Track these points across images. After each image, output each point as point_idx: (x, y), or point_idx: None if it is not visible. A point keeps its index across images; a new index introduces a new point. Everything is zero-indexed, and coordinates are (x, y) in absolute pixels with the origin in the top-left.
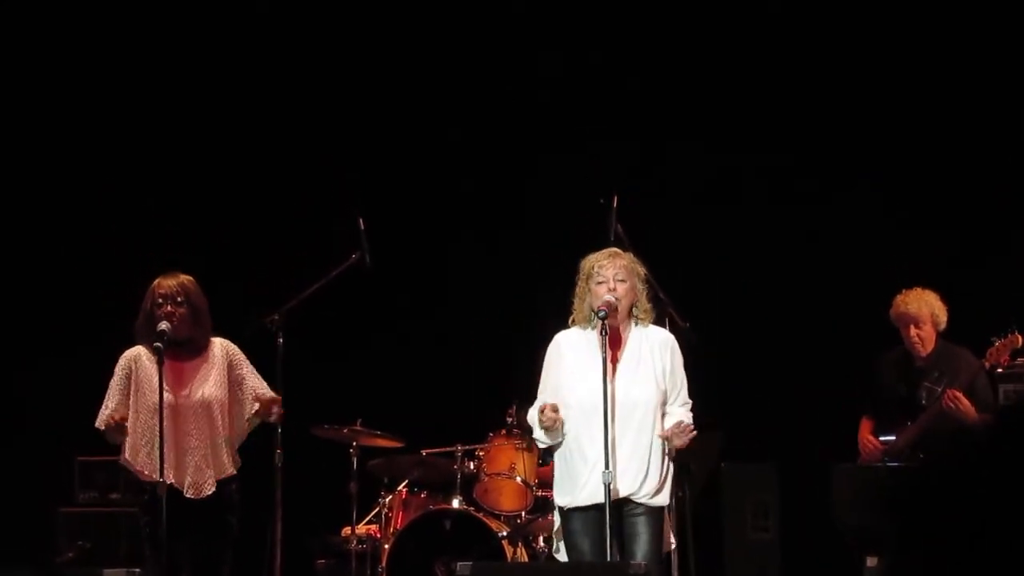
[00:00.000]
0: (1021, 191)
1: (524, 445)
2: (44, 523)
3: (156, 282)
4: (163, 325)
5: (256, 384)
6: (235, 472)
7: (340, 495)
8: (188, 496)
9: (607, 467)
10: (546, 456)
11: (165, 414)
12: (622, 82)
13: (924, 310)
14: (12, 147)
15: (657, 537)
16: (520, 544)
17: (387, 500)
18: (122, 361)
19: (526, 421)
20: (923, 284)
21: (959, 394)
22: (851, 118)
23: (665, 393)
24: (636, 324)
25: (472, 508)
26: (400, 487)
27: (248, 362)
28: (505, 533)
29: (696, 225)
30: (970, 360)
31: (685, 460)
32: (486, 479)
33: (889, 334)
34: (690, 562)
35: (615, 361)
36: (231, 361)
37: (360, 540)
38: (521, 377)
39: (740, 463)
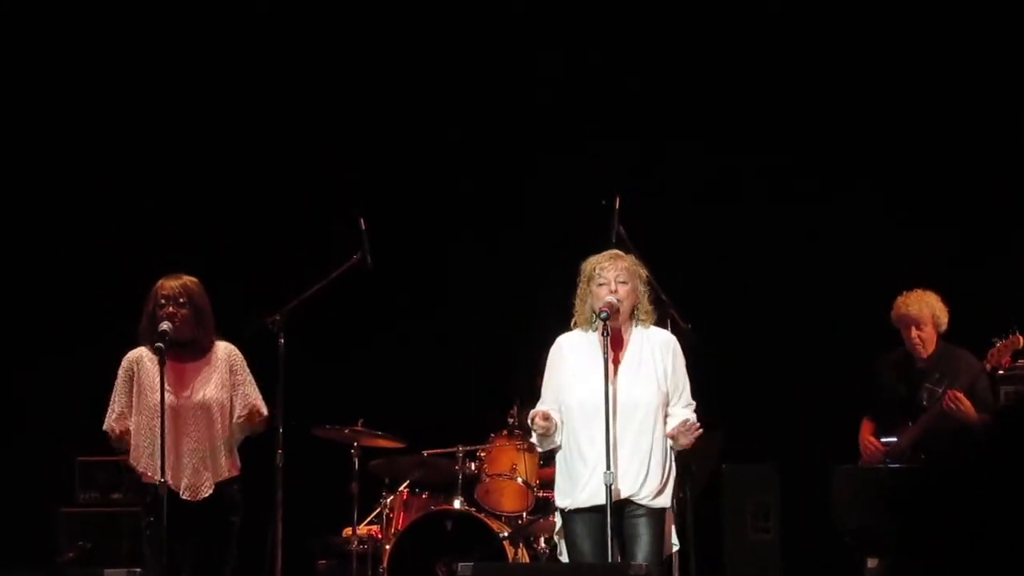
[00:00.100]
0: (1021, 191)
1: (525, 446)
2: (45, 523)
3: (159, 283)
4: (164, 326)
5: (250, 392)
6: (236, 474)
7: (341, 495)
8: (184, 498)
9: (608, 468)
10: (548, 458)
11: (170, 415)
12: (622, 82)
13: (925, 311)
14: (13, 148)
15: (658, 538)
16: (521, 545)
17: (388, 501)
18: (124, 362)
19: (527, 422)
20: (923, 285)
21: (960, 395)
22: (851, 118)
23: (667, 394)
24: (637, 326)
25: (473, 509)
26: (401, 488)
27: (248, 371)
28: (506, 534)
29: (696, 225)
30: (971, 361)
31: (686, 461)
32: (487, 480)
33: (890, 335)
34: (691, 563)
35: (616, 362)
36: (232, 366)
37: (361, 541)
38: (522, 378)
39: (741, 464)
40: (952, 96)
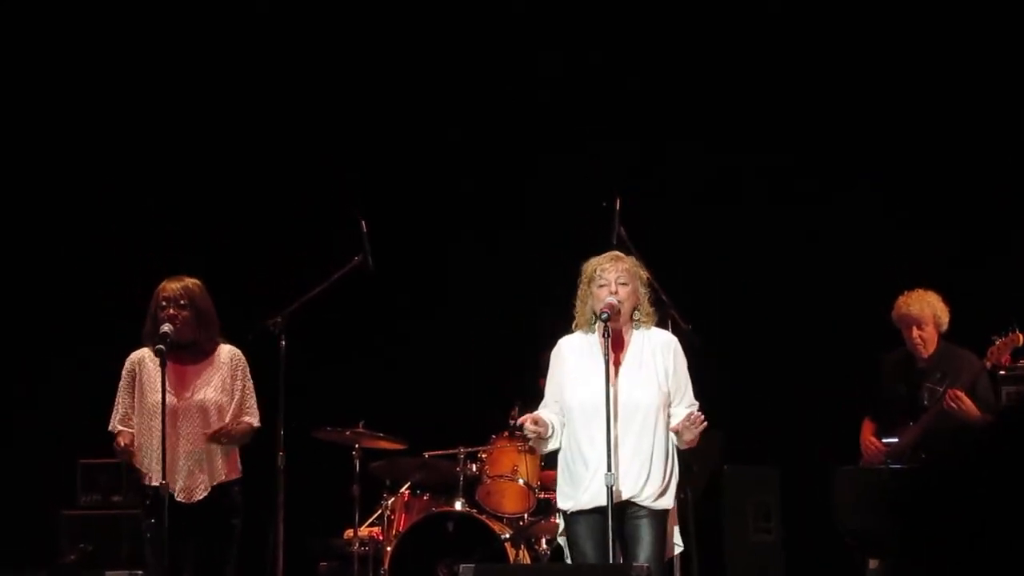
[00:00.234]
0: (1021, 191)
1: (526, 447)
2: (46, 525)
3: (161, 285)
4: (165, 327)
5: (243, 400)
6: (237, 476)
7: (342, 497)
8: (179, 500)
9: (609, 470)
10: (549, 461)
11: (167, 417)
12: (622, 82)
13: (926, 311)
14: (14, 149)
15: (660, 540)
16: (522, 546)
17: (389, 502)
18: (127, 363)
19: (517, 426)
20: (924, 284)
21: (961, 394)
22: (851, 118)
23: (668, 395)
24: (638, 327)
25: (474, 510)
26: (402, 489)
27: (248, 379)
28: (507, 535)
29: (696, 225)
30: (972, 361)
31: (687, 460)
32: (488, 481)
33: (890, 335)
34: (692, 564)
35: (617, 364)
36: (233, 371)
37: (362, 542)
38: (523, 379)
39: (742, 465)
40: (952, 96)
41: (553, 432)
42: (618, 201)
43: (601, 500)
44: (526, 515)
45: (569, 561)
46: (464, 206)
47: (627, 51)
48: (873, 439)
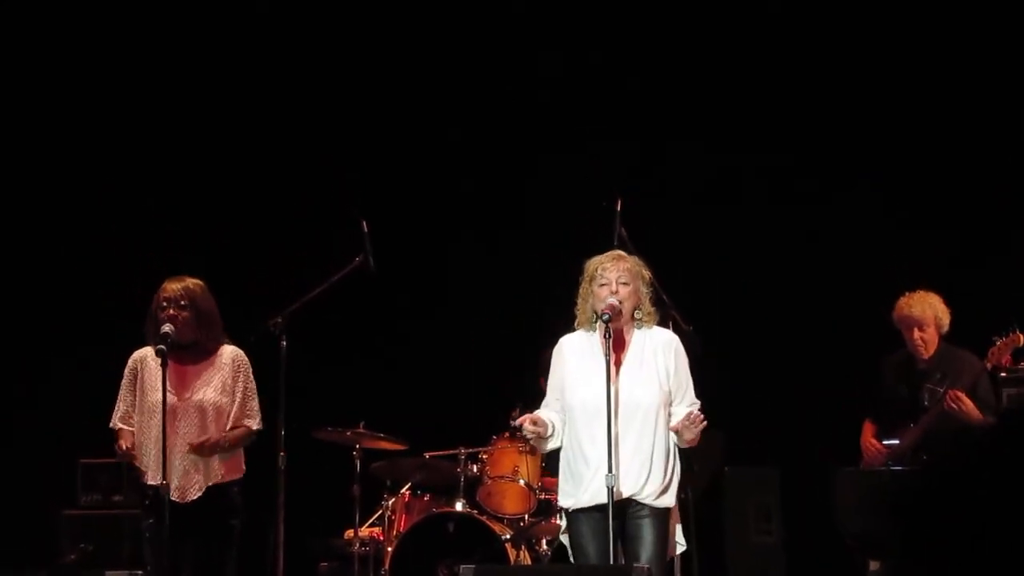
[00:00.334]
0: (1021, 191)
1: (527, 448)
2: (47, 525)
3: (162, 285)
4: (166, 328)
5: (244, 403)
6: (237, 477)
7: (343, 498)
8: (174, 499)
9: (610, 470)
10: (551, 464)
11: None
12: (622, 82)
13: (928, 313)
14: (14, 149)
15: (662, 539)
16: (523, 547)
17: (390, 503)
18: (130, 362)
19: (516, 427)
20: (924, 285)
21: (961, 394)
22: (851, 118)
23: (669, 394)
24: (639, 326)
25: (475, 511)
26: (403, 490)
27: (251, 381)
28: (508, 536)
29: (696, 225)
30: (972, 362)
31: (688, 460)
32: (489, 482)
33: (891, 336)
34: (693, 565)
35: (618, 363)
36: (235, 372)
37: (363, 543)
38: (524, 380)
39: (743, 466)
40: (952, 96)
41: (553, 431)
42: (619, 202)
43: (602, 498)
44: (527, 516)
45: (572, 560)
46: (464, 206)
47: (627, 51)
48: (874, 441)
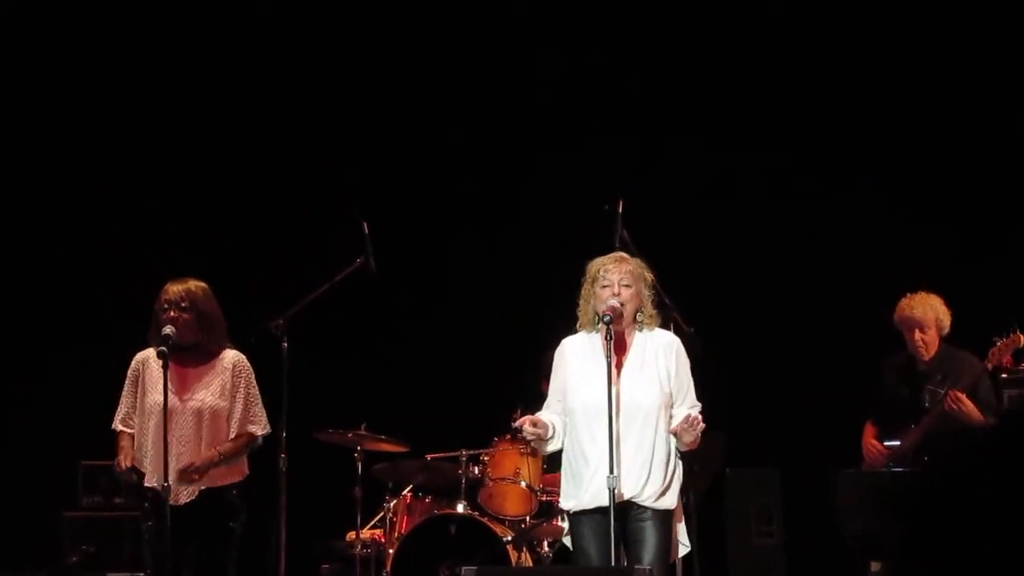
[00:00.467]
0: (1021, 191)
1: (529, 450)
2: (48, 527)
3: (165, 286)
4: (167, 330)
5: (246, 408)
6: (238, 479)
7: (344, 500)
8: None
9: (611, 471)
10: (552, 465)
11: (161, 418)
12: (622, 82)
13: (929, 314)
14: (14, 149)
15: (664, 541)
16: (524, 549)
17: (391, 505)
18: (133, 363)
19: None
20: (924, 285)
21: (962, 395)
22: (851, 118)
23: (670, 396)
24: (641, 329)
25: (476, 513)
26: (404, 492)
27: (252, 386)
28: (509, 538)
29: (696, 225)
30: (973, 363)
31: (689, 462)
32: (491, 484)
33: (891, 337)
34: (694, 566)
35: (619, 365)
36: (235, 377)
37: (364, 545)
38: (525, 381)
39: (744, 468)
40: (952, 96)
41: (554, 433)
42: (620, 204)
43: (602, 500)
44: (528, 518)
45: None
46: (464, 206)
47: (627, 51)
48: (875, 442)
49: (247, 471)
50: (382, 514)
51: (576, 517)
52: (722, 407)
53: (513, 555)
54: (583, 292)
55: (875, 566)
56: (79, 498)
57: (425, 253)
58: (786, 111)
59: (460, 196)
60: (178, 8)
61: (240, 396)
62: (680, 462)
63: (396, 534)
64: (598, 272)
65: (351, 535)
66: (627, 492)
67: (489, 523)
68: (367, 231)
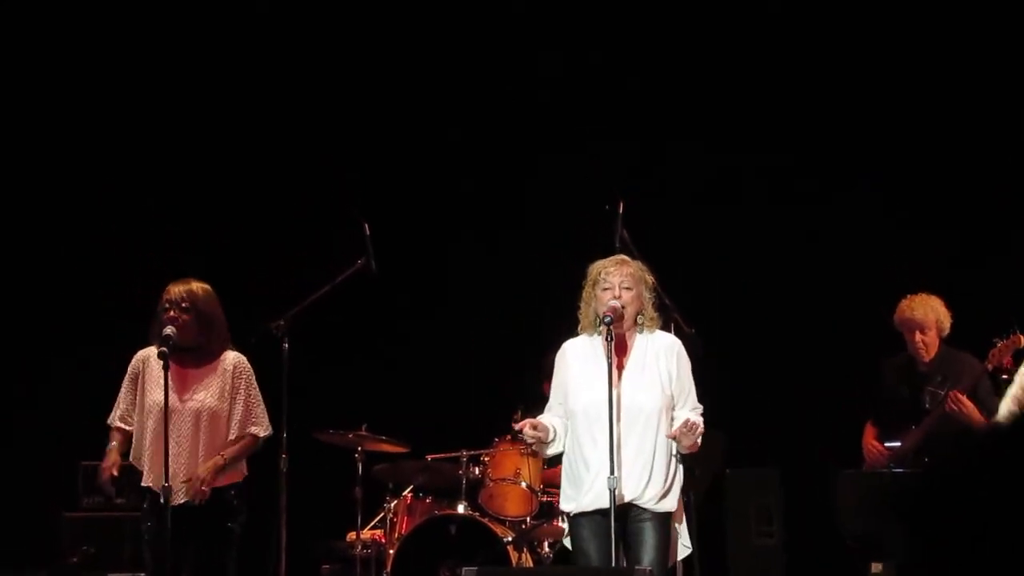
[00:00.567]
0: (1021, 191)
1: (529, 450)
2: (49, 528)
3: (167, 286)
4: (168, 330)
5: (248, 410)
6: (237, 480)
7: (345, 500)
8: (161, 501)
9: (612, 473)
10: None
11: (161, 418)
12: (622, 82)
13: (930, 316)
14: (15, 149)
15: (664, 543)
16: (525, 549)
17: (392, 505)
18: (134, 360)
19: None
20: (924, 285)
21: (962, 396)
22: (851, 118)
23: (671, 398)
24: (642, 331)
25: (477, 513)
26: (405, 492)
27: (253, 387)
28: (510, 538)
29: (696, 225)
30: (973, 364)
31: (689, 464)
32: (491, 484)
33: (892, 338)
34: (694, 567)
35: (620, 367)
36: (236, 378)
37: (365, 545)
38: (525, 381)
39: (744, 468)
40: (952, 96)
41: (555, 436)
42: (621, 205)
43: (603, 502)
44: (528, 518)
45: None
46: (464, 206)
47: (627, 51)
48: (875, 443)
49: (246, 471)
50: (382, 514)
51: (576, 518)
52: (722, 408)
53: (513, 556)
54: (584, 295)
55: (875, 567)
56: (79, 498)
57: (425, 253)
58: (786, 111)
59: (460, 196)
60: (178, 8)
61: (241, 398)
62: (681, 465)
63: (396, 535)
64: (599, 275)
65: (351, 535)
66: (628, 494)
67: (489, 524)
68: (367, 232)
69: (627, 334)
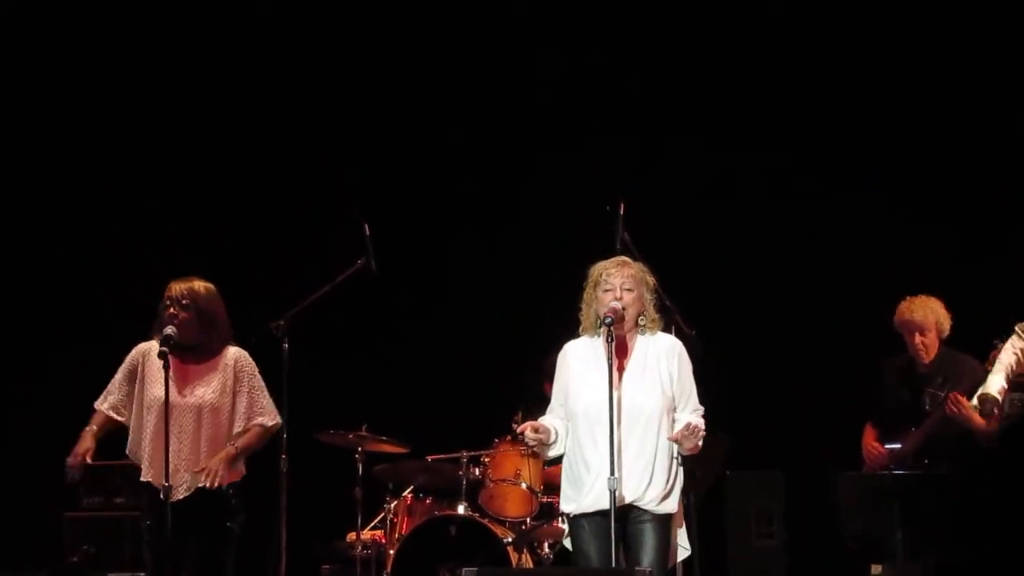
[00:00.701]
0: (1021, 191)
1: (529, 451)
2: (49, 527)
3: (169, 284)
4: (169, 330)
5: (252, 402)
6: (236, 480)
7: (345, 501)
8: (160, 498)
9: (612, 474)
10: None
11: (161, 413)
12: (622, 82)
13: (929, 318)
14: (15, 149)
15: (664, 545)
16: (525, 550)
17: (392, 506)
18: (133, 352)
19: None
20: (924, 285)
21: (962, 398)
22: (851, 118)
23: (672, 399)
24: (643, 332)
25: (477, 514)
26: (405, 493)
27: (256, 379)
28: (510, 539)
29: (696, 226)
30: (973, 365)
31: (690, 466)
32: (491, 485)
33: (892, 339)
34: (695, 568)
35: (621, 369)
36: (237, 373)
37: (365, 546)
38: (526, 382)
39: (744, 470)
40: (952, 96)
41: (556, 438)
42: (622, 206)
43: (603, 503)
44: (528, 519)
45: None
46: (464, 206)
47: (627, 51)
48: (876, 444)
49: (244, 471)
50: (383, 515)
51: (576, 519)
52: (724, 409)
53: (513, 556)
54: (585, 296)
55: (876, 568)
56: (80, 498)
57: (425, 253)
58: (786, 111)
59: (460, 196)
60: (179, 9)
61: (244, 390)
62: (682, 467)
63: (396, 535)
64: (600, 276)
65: (352, 536)
66: (629, 496)
67: (490, 524)
68: (367, 232)
69: (628, 335)
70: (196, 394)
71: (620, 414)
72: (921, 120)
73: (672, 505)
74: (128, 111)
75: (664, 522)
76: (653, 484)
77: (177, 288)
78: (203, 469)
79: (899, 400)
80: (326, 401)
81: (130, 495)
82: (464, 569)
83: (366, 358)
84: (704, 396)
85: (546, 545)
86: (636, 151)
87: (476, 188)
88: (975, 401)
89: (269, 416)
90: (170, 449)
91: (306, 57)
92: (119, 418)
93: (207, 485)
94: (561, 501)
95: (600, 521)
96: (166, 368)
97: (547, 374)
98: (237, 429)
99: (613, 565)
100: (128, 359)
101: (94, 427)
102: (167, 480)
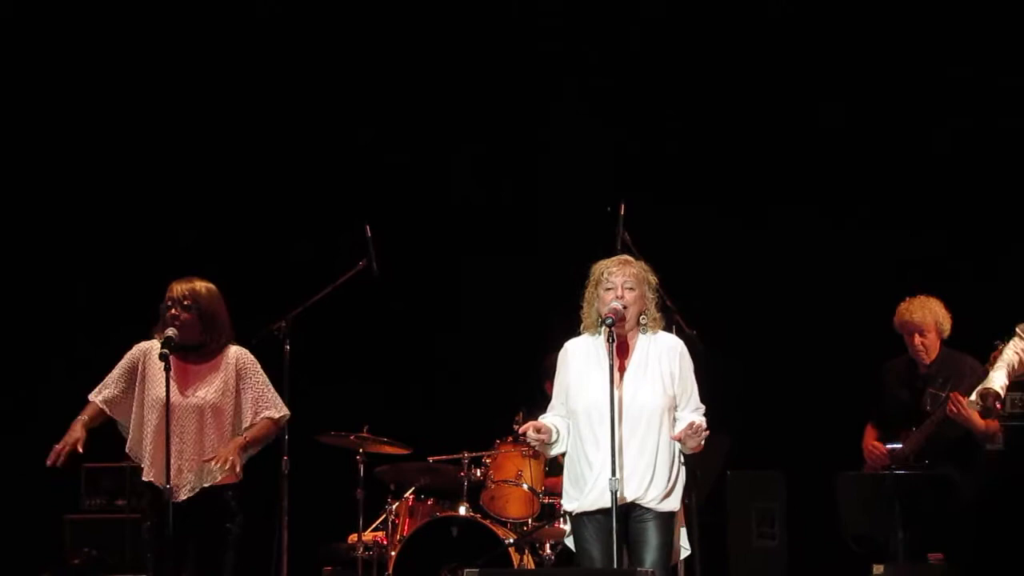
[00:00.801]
0: (1021, 192)
1: (531, 452)
2: (51, 530)
3: (171, 284)
4: (170, 331)
5: (256, 397)
6: (234, 481)
7: (347, 502)
8: (163, 498)
9: (613, 473)
10: (554, 467)
11: (163, 413)
12: (622, 82)
13: (929, 318)
14: (15, 149)
15: (666, 543)
16: (527, 551)
17: (394, 507)
18: (134, 350)
19: (521, 435)
20: (924, 287)
21: (962, 398)
22: (851, 118)
23: (674, 399)
24: (644, 332)
25: (479, 515)
26: (407, 494)
27: (259, 375)
28: (512, 540)
29: (697, 227)
30: (974, 366)
31: (691, 466)
32: (493, 486)
33: (893, 340)
34: (696, 569)
35: (622, 368)
36: (239, 371)
37: (367, 547)
38: (527, 383)
39: (745, 470)
40: (952, 96)
41: (558, 437)
42: (622, 207)
43: (605, 502)
44: (530, 520)
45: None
46: (465, 207)
47: (627, 50)
48: (876, 444)
49: (241, 475)
50: (384, 516)
51: (578, 519)
52: (725, 410)
53: (515, 557)
54: (587, 295)
55: (877, 568)
56: (81, 501)
57: (427, 256)
58: (787, 111)
59: (461, 197)
60: (181, 10)
61: (248, 386)
62: (684, 466)
63: (398, 536)
64: (602, 275)
65: (353, 537)
66: (630, 495)
67: (491, 525)
68: (369, 233)
69: (629, 335)
70: (198, 395)
71: (621, 413)
72: (921, 120)
73: (674, 504)
74: (130, 111)
75: (666, 520)
76: (655, 482)
77: (179, 288)
78: (212, 458)
79: (900, 401)
80: (327, 403)
81: (131, 497)
82: (466, 570)
83: (368, 360)
84: (704, 396)
85: (548, 546)
86: (636, 151)
87: (476, 189)
88: (975, 396)
89: (276, 408)
90: (172, 450)
91: (311, 61)
92: (110, 413)
93: (215, 466)
94: (563, 499)
95: (602, 520)
96: (167, 370)
97: (548, 373)
98: (244, 424)
99: (615, 564)
100: (128, 356)
101: (85, 417)
102: (168, 481)
